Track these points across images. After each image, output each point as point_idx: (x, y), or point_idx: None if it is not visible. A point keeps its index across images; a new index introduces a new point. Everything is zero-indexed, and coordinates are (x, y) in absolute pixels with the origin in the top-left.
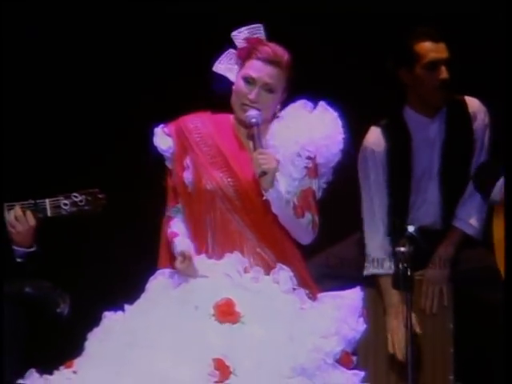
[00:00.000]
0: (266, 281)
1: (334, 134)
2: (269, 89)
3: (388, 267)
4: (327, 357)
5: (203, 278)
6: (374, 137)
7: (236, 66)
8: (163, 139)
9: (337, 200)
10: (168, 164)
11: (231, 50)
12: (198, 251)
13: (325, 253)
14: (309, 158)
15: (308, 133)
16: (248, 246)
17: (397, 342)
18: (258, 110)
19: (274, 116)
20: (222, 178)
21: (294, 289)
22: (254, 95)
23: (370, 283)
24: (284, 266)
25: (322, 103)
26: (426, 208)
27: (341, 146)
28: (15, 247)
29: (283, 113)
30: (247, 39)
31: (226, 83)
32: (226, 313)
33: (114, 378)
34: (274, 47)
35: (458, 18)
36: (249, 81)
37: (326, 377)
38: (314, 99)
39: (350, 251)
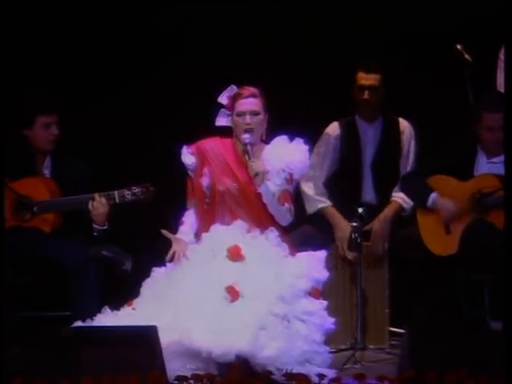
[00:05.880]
0: (260, 238)
1: (306, 160)
2: (255, 114)
3: (328, 201)
4: (300, 291)
5: (219, 239)
6: (334, 128)
7: (229, 118)
8: (188, 157)
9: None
10: (190, 173)
11: (223, 110)
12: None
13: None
14: (289, 173)
15: (290, 156)
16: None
17: (345, 243)
18: (251, 132)
19: (262, 137)
20: (229, 182)
21: (280, 244)
22: (248, 120)
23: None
24: (273, 229)
25: (297, 139)
26: (365, 190)
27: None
28: (94, 225)
29: (273, 141)
30: (229, 97)
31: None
32: (235, 254)
33: (159, 312)
34: (248, 88)
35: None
36: (241, 114)
37: (298, 304)
38: (291, 132)
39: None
